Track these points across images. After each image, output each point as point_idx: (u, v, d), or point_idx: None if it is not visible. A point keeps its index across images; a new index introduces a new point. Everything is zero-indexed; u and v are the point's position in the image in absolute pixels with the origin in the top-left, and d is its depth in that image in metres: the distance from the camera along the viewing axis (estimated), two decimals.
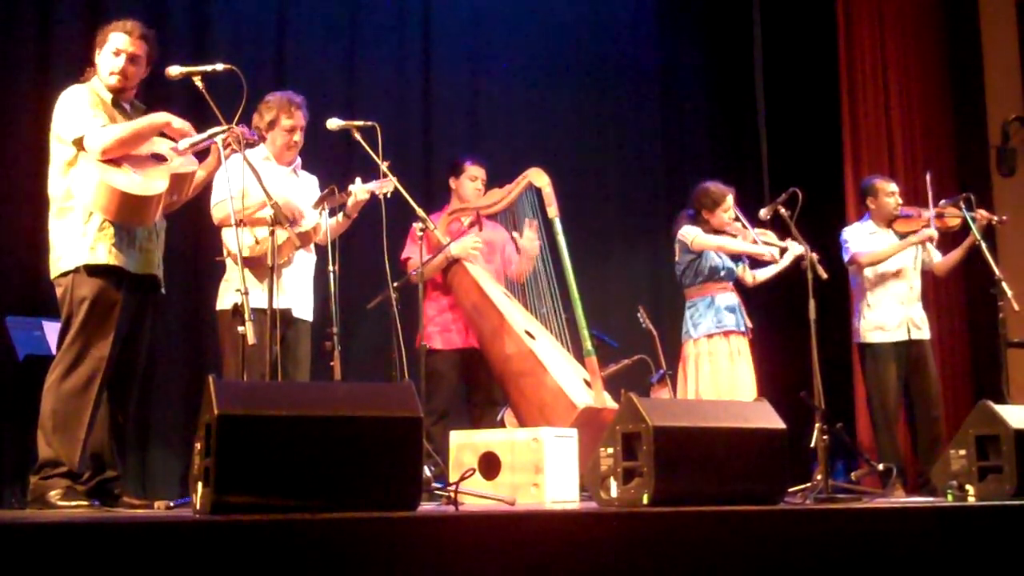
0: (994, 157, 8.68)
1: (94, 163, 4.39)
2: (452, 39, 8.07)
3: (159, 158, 4.56)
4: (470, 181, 6.16)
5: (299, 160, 5.45)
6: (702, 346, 6.32)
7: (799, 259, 6.12)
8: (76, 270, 4.45)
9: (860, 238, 6.84)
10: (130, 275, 4.52)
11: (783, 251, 6.33)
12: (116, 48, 4.61)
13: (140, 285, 4.60)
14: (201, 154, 4.73)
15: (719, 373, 6.26)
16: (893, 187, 6.95)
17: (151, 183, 4.45)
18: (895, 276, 6.79)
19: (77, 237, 4.45)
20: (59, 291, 4.52)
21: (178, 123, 4.59)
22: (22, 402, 5.13)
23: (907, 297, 6.77)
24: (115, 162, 4.43)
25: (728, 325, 6.30)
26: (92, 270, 4.44)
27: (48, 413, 4.38)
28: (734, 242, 6.36)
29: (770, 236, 6.38)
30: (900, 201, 6.90)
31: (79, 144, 4.43)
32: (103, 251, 4.45)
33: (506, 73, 8.24)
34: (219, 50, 6.51)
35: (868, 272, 6.79)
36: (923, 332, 6.79)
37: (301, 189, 5.37)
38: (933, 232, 6.67)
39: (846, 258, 6.87)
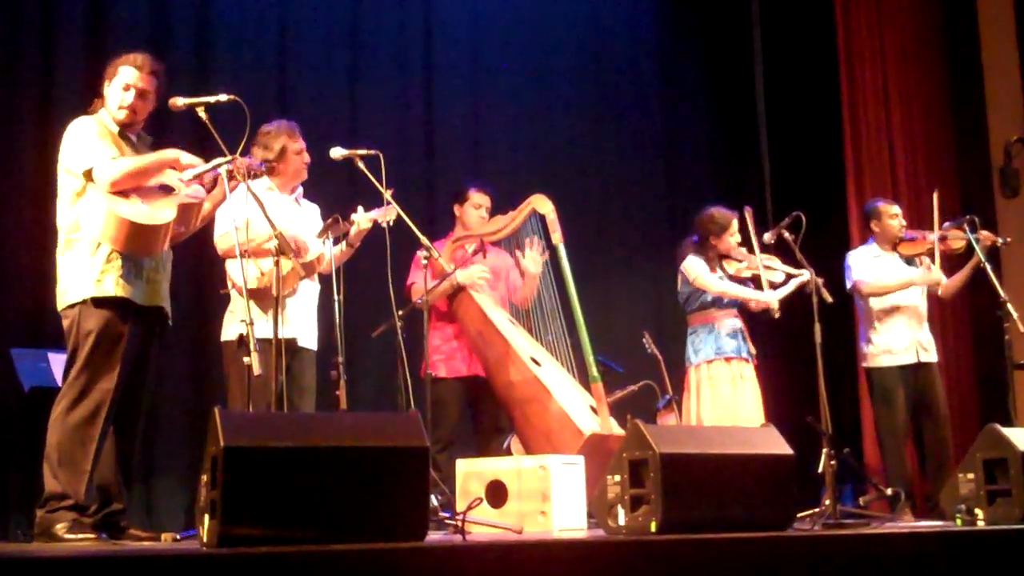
0: (997, 178, 8.69)
1: (102, 194, 4.40)
2: (453, 66, 8.10)
3: (166, 189, 4.57)
4: (474, 209, 6.16)
5: (300, 189, 5.46)
6: (703, 372, 6.31)
7: (802, 287, 6.13)
8: (83, 302, 4.44)
9: (864, 263, 6.83)
10: (137, 307, 4.52)
11: (789, 276, 6.32)
12: (126, 83, 4.61)
13: (147, 317, 4.60)
14: (207, 185, 4.73)
15: (720, 399, 6.24)
16: (896, 209, 6.95)
17: (159, 213, 4.46)
18: (902, 299, 6.78)
19: (84, 269, 4.45)
20: (65, 323, 4.51)
21: (186, 159, 4.59)
22: (28, 434, 5.13)
23: (914, 320, 6.76)
24: (123, 193, 4.43)
25: (728, 351, 6.29)
26: (99, 302, 4.43)
27: (54, 446, 4.36)
28: (735, 289, 6.34)
29: (775, 262, 6.38)
30: (904, 223, 6.90)
31: (88, 176, 4.43)
32: (110, 283, 4.45)
33: (509, 99, 8.26)
34: (221, 80, 6.51)
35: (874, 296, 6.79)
36: (931, 355, 6.77)
37: (303, 218, 5.38)
38: (940, 277, 6.66)
39: (848, 284, 6.86)
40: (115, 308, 4.45)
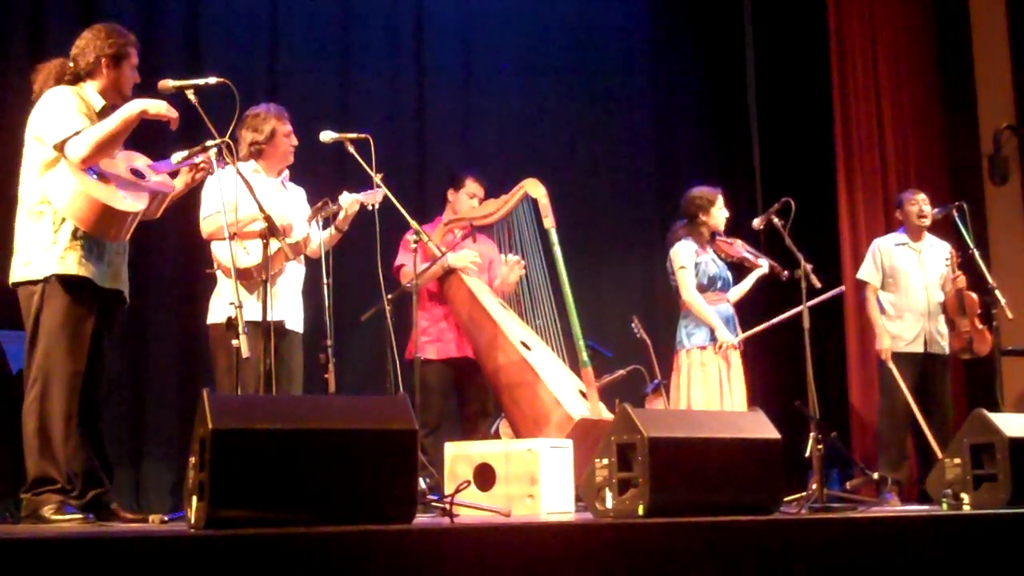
0: (986, 166, 8.70)
1: (75, 171, 4.32)
2: (444, 50, 8.08)
3: (138, 174, 4.52)
4: (468, 197, 6.16)
5: (287, 172, 5.44)
6: (694, 357, 6.31)
7: (763, 279, 6.33)
8: (46, 280, 4.37)
9: (874, 259, 6.91)
10: (98, 288, 4.47)
11: (771, 266, 6.39)
12: (135, 63, 4.64)
13: (106, 299, 4.55)
14: (175, 172, 4.71)
15: (710, 384, 6.25)
16: (918, 197, 7.03)
17: (131, 200, 4.41)
18: (917, 289, 6.82)
19: (47, 244, 4.38)
20: (23, 298, 4.44)
21: (154, 107, 4.48)
22: (15, 417, 5.10)
23: (928, 311, 6.80)
24: (100, 175, 4.38)
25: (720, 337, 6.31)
26: (62, 280, 4.37)
27: (33, 433, 4.31)
28: (705, 309, 6.30)
29: (750, 248, 6.49)
30: (923, 210, 6.92)
31: (60, 149, 4.35)
32: (73, 261, 4.38)
33: (500, 81, 8.25)
34: (211, 63, 6.50)
35: (890, 283, 6.84)
36: (941, 347, 6.81)
37: (289, 201, 5.37)
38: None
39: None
40: (78, 288, 4.40)
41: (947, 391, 6.83)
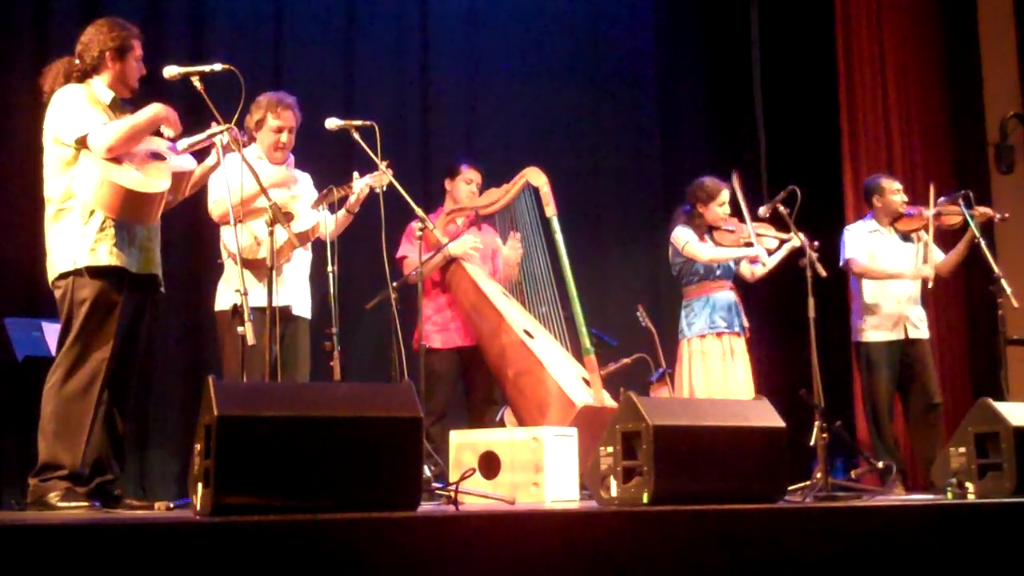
0: (992, 154, 8.68)
1: (97, 161, 4.39)
2: (450, 39, 8.07)
3: (158, 156, 4.56)
4: (465, 184, 6.17)
5: (292, 158, 5.44)
6: (695, 346, 6.32)
7: (795, 251, 6.13)
8: (77, 271, 4.43)
9: (859, 239, 6.83)
10: (131, 275, 4.52)
11: (782, 242, 6.34)
12: (139, 54, 4.69)
13: (140, 285, 4.59)
14: (199, 153, 4.73)
15: (711, 373, 6.26)
16: (898, 185, 6.95)
17: (154, 181, 4.46)
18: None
19: (77, 238, 4.44)
20: (58, 293, 4.50)
21: (173, 119, 4.59)
22: (21, 403, 5.12)
23: (905, 297, 6.77)
24: (117, 160, 4.42)
25: (720, 326, 6.30)
26: (93, 271, 4.42)
27: (49, 416, 4.36)
28: (724, 252, 6.34)
29: (768, 229, 6.39)
30: (905, 199, 6.89)
31: (81, 143, 4.41)
32: (104, 251, 4.44)
33: (504, 73, 8.23)
34: (216, 50, 6.49)
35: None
36: (920, 332, 6.78)
37: (295, 187, 5.36)
38: (929, 273, 6.67)
39: (841, 261, 6.87)
40: (109, 277, 4.45)
41: (931, 376, 6.78)
